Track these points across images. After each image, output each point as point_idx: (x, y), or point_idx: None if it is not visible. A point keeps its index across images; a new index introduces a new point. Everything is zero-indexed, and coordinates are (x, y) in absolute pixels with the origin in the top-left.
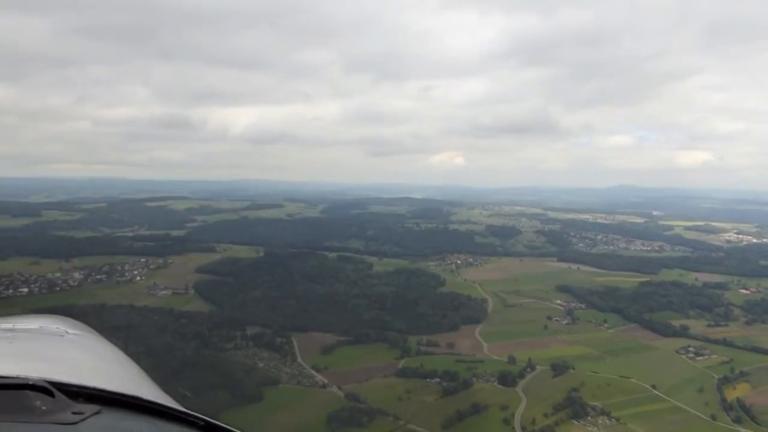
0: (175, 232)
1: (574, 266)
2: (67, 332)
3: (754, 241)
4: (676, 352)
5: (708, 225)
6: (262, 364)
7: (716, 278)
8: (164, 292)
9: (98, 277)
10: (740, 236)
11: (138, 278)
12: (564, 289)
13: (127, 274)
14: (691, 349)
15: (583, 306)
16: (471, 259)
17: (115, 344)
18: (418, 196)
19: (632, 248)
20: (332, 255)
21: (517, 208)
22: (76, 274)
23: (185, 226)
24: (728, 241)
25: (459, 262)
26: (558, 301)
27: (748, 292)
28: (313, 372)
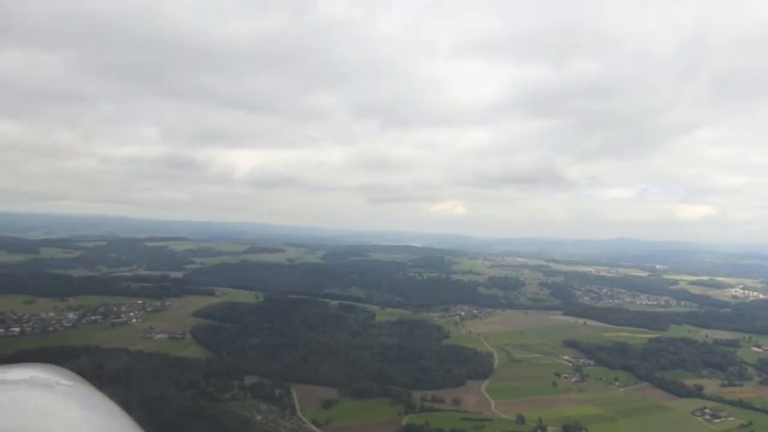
0: (174, 274)
1: (580, 320)
2: (58, 383)
3: (761, 296)
4: (692, 413)
5: (713, 280)
6: (260, 417)
7: (726, 335)
8: (160, 336)
9: (93, 318)
10: (746, 292)
11: (134, 320)
12: (571, 344)
13: (123, 315)
14: (707, 410)
15: (591, 362)
16: (475, 311)
17: (107, 394)
18: (418, 244)
19: (638, 302)
20: (333, 303)
21: (519, 259)
22: (71, 315)
23: (184, 267)
24: (735, 297)
25: (463, 313)
26: (566, 357)
27: (760, 350)
28: (313, 427)
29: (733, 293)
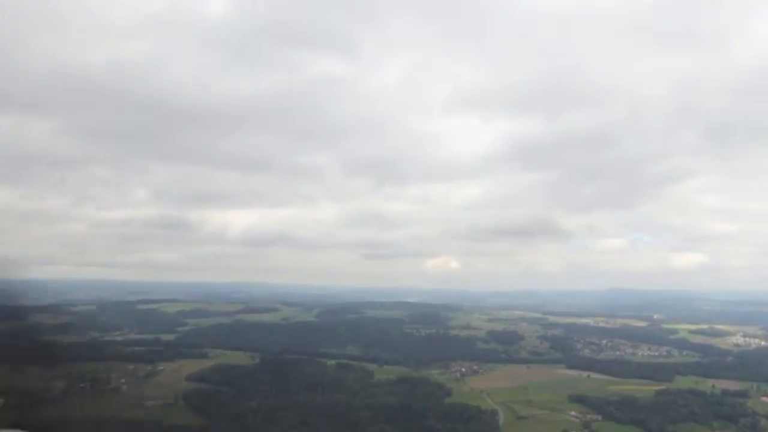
0: (166, 336)
1: (583, 374)
2: None
3: (763, 344)
4: None
5: (712, 328)
6: None
7: (734, 385)
8: (152, 402)
9: (82, 386)
10: (747, 339)
11: (125, 387)
12: (577, 399)
13: (113, 382)
14: None
15: (599, 418)
16: (475, 367)
17: None
18: (413, 299)
19: (639, 353)
20: (331, 362)
21: (516, 312)
22: (58, 383)
23: (177, 329)
24: (736, 345)
25: (463, 369)
26: (573, 413)
27: None
28: None
29: (735, 341)
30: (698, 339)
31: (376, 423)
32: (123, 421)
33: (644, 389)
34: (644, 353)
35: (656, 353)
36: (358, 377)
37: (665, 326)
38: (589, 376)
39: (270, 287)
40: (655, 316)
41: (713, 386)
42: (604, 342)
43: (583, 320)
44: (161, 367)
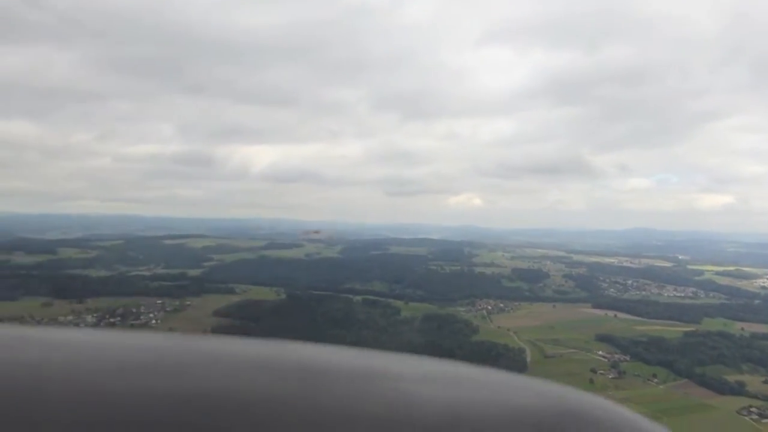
0: (192, 272)
1: (610, 313)
2: None
3: None
4: (738, 412)
5: (739, 270)
6: None
7: (762, 328)
8: None
9: (112, 320)
10: None
11: (154, 322)
12: (605, 339)
13: (142, 317)
14: (753, 409)
15: (627, 358)
16: (501, 305)
17: None
18: (435, 236)
19: (665, 294)
20: (357, 298)
21: (539, 250)
22: (89, 317)
23: (202, 265)
24: (763, 287)
25: (489, 307)
26: (600, 352)
27: None
28: None
29: (762, 284)
30: (724, 281)
31: None
32: None
33: (672, 330)
34: (670, 294)
35: (682, 294)
36: (385, 314)
37: (691, 267)
38: (615, 315)
39: (293, 223)
40: (680, 257)
41: (742, 329)
42: (630, 282)
43: (608, 260)
44: (188, 302)
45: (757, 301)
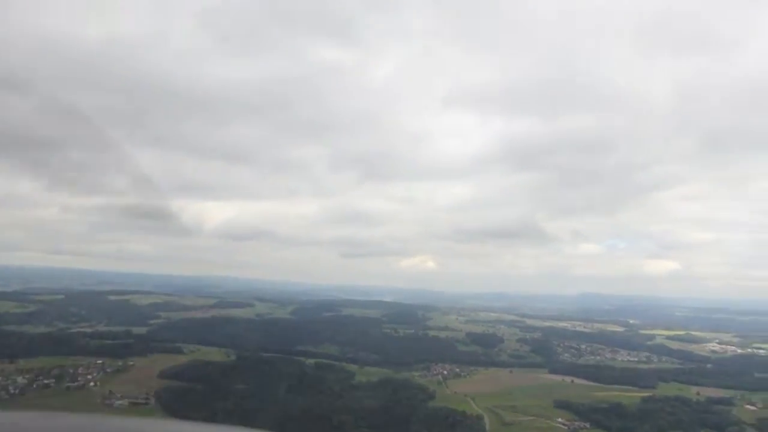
0: (137, 330)
1: (567, 378)
2: None
3: (739, 351)
4: None
5: (689, 334)
6: None
7: (717, 392)
8: (121, 402)
9: (46, 381)
10: (723, 346)
11: (92, 384)
12: (563, 405)
13: (80, 378)
14: None
15: (587, 425)
16: (457, 369)
17: None
18: (388, 299)
19: (619, 359)
20: (309, 361)
21: (492, 314)
22: (20, 379)
23: (149, 322)
24: (713, 352)
25: (445, 372)
26: (560, 420)
27: (755, 408)
28: None
29: (711, 348)
30: (676, 345)
31: (359, 428)
32: None
33: (629, 396)
34: (624, 358)
35: (636, 359)
36: (339, 378)
37: (642, 332)
38: (572, 381)
39: (244, 282)
40: (631, 321)
41: (697, 393)
42: (584, 346)
43: (561, 324)
44: (132, 363)
45: (709, 365)
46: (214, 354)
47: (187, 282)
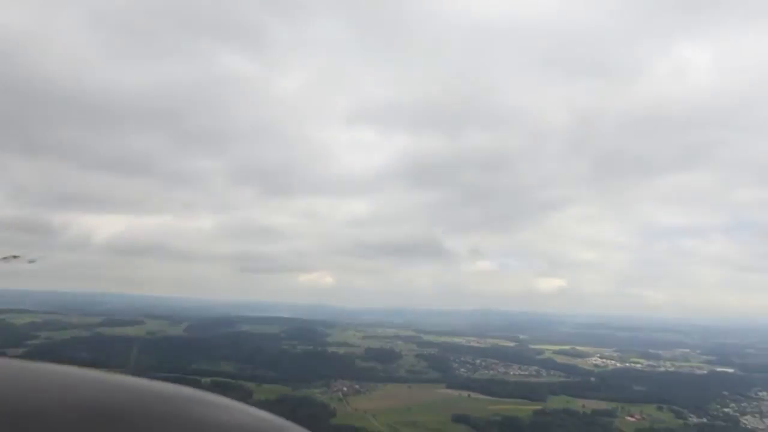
0: (12, 351)
1: (463, 393)
2: None
3: (618, 365)
4: None
5: (574, 349)
6: None
7: (600, 405)
8: None
9: None
10: (605, 361)
11: None
12: (461, 419)
13: None
14: None
15: None
16: (357, 386)
17: None
18: (286, 314)
19: (511, 372)
20: (205, 380)
21: (390, 330)
22: None
23: (26, 343)
24: (596, 366)
25: (345, 389)
26: None
27: (634, 419)
28: None
29: (594, 362)
30: (562, 359)
31: None
32: None
33: (522, 409)
34: (515, 372)
35: (526, 372)
36: (237, 397)
37: (531, 347)
38: (469, 395)
39: (133, 298)
40: (520, 336)
41: (583, 406)
42: (478, 361)
43: (456, 339)
44: None
45: (592, 379)
46: None
47: (72, 299)
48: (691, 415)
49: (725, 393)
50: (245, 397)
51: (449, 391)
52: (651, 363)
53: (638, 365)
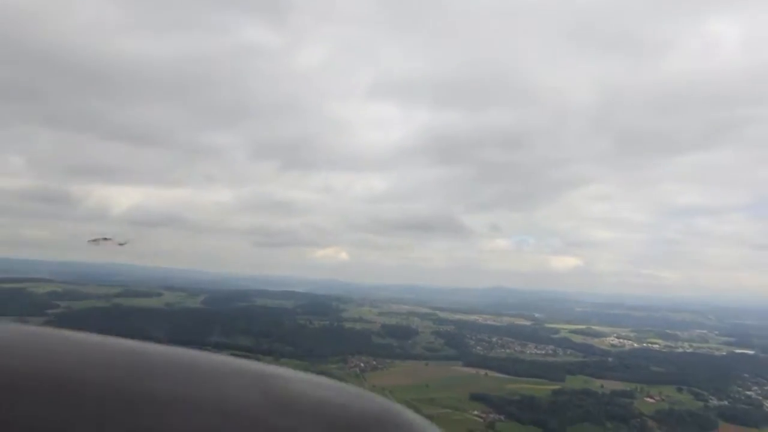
0: (34, 320)
1: (480, 371)
2: None
3: (635, 345)
4: None
5: (590, 329)
6: None
7: (619, 385)
8: None
9: None
10: (621, 341)
11: None
12: (479, 398)
13: None
14: None
15: (502, 417)
16: (374, 362)
17: None
18: (300, 289)
19: (528, 352)
20: (224, 353)
21: (405, 306)
22: None
23: (47, 312)
24: (613, 346)
25: (362, 365)
26: (475, 412)
27: (653, 400)
28: None
29: (611, 342)
30: (578, 339)
31: None
32: None
33: (540, 388)
34: (532, 351)
35: (543, 351)
36: None
37: (547, 325)
38: (486, 374)
39: (151, 270)
40: (536, 315)
41: (602, 386)
42: (495, 339)
43: (472, 317)
44: None
45: (610, 359)
46: None
47: (89, 269)
48: (712, 398)
49: (746, 375)
50: None
51: (466, 369)
52: (668, 343)
53: (656, 346)
